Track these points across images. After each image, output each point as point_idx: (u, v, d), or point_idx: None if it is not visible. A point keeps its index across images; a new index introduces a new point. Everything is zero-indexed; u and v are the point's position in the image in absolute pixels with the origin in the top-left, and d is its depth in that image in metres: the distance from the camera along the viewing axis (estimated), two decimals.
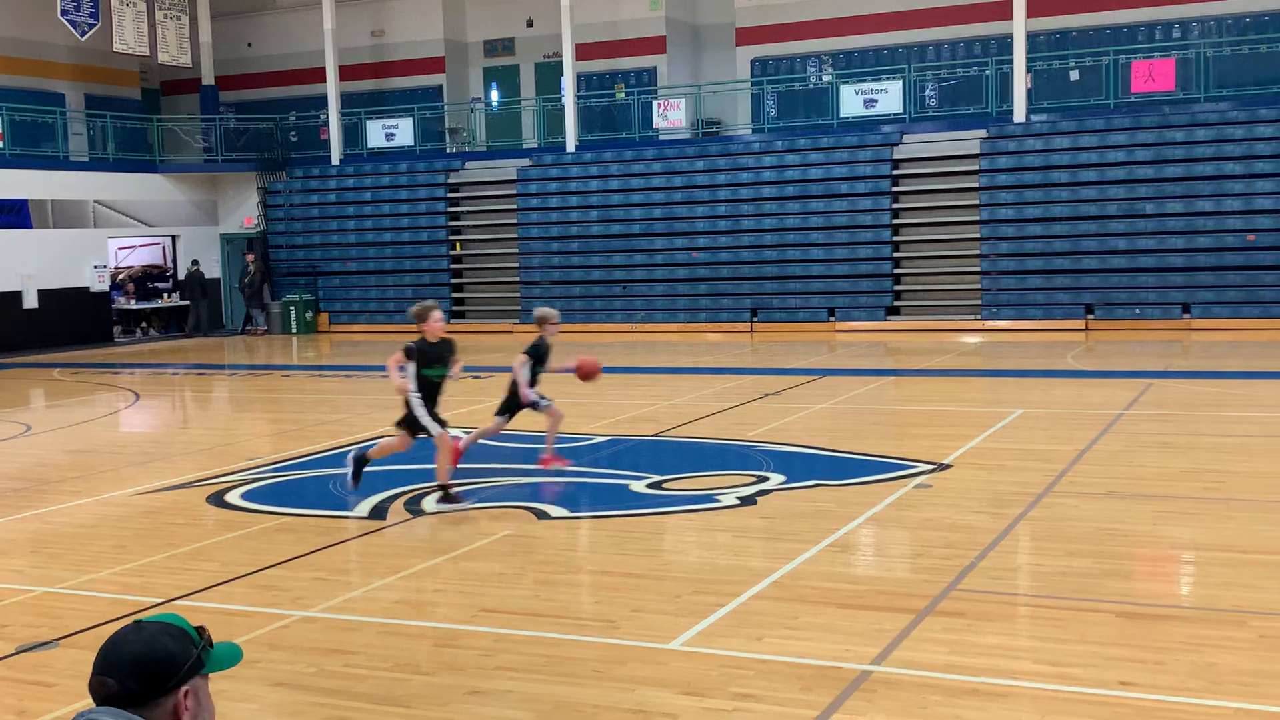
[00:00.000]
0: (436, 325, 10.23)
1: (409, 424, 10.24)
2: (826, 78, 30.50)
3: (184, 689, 2.56)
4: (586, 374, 11.63)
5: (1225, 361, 19.38)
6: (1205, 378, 17.47)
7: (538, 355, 11.42)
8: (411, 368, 10.18)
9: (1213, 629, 6.62)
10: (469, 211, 31.31)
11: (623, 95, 31.47)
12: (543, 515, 9.91)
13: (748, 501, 10.04)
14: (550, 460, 11.62)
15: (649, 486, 10.83)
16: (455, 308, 30.17)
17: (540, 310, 11.71)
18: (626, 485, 10.92)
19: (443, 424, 10.22)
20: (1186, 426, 13.30)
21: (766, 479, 10.86)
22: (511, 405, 11.39)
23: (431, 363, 10.22)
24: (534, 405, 11.34)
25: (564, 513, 10.11)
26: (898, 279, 26.93)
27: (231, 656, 2.69)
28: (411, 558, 8.72)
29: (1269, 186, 24.14)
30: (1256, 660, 6.11)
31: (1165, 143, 25.28)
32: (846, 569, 8.08)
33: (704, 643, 6.59)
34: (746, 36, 32.00)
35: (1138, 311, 24.21)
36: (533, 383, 11.32)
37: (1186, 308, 23.92)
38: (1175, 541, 8.59)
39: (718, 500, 10.13)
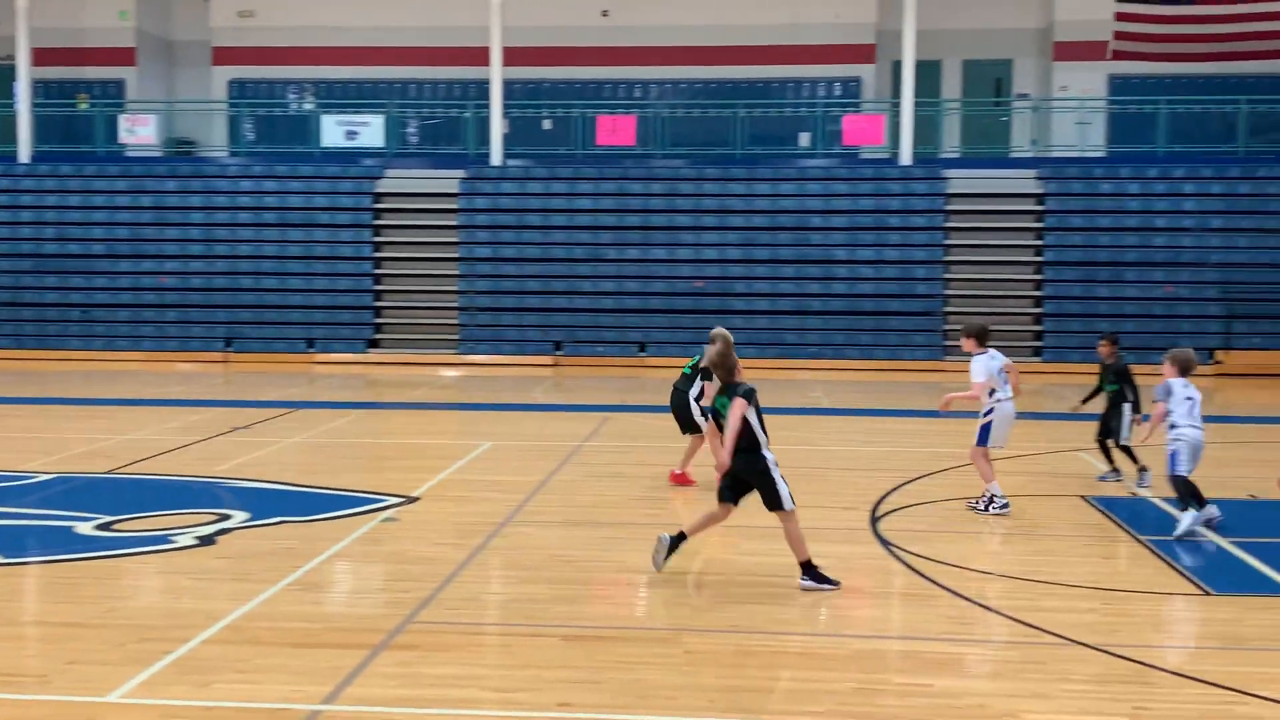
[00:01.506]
0: None
1: None
2: (308, 105, 30.13)
3: None
4: None
5: None
6: (656, 411, 18.85)
7: None
8: None
9: (645, 647, 7.17)
10: None
11: (86, 106, 29.38)
12: None
13: (206, 541, 9.66)
14: None
15: (97, 528, 10.12)
16: None
17: None
18: (71, 527, 10.15)
19: None
20: (638, 456, 14.32)
21: (229, 517, 10.50)
22: None
23: None
24: None
25: None
26: (378, 311, 27.01)
27: None
28: None
29: (714, 239, 26.64)
30: (682, 675, 6.69)
31: (625, 194, 27.23)
32: (305, 607, 7.98)
33: (146, 693, 6.27)
34: (224, 56, 30.99)
35: (600, 349, 25.82)
36: None
37: (643, 346, 25.82)
38: (621, 565, 9.22)
39: (173, 541, 9.66)
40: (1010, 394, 10.84)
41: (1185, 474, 10.00)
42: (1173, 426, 10.14)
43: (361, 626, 7.46)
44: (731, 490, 8.49)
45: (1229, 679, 6.64)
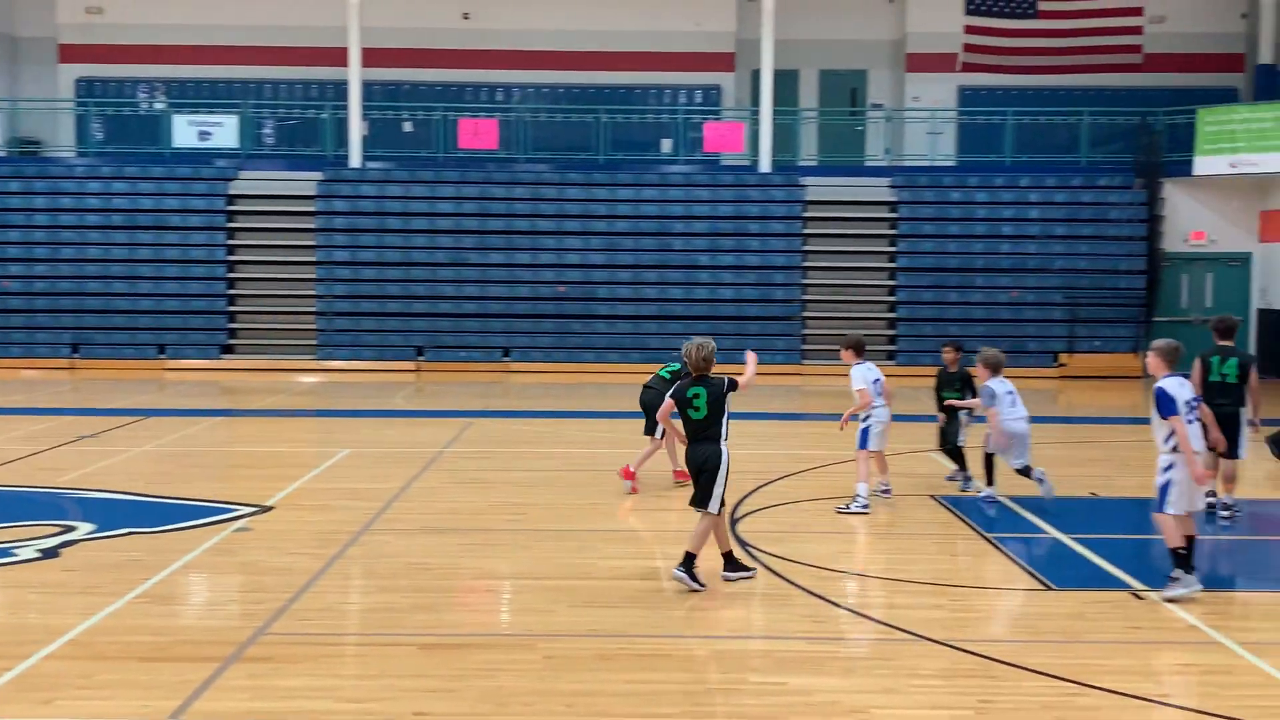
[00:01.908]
0: None
1: None
2: (159, 105, 29.31)
3: None
4: None
5: (539, 401, 21.04)
6: (520, 417, 18.86)
7: None
8: None
9: (504, 653, 7.16)
10: None
11: None
12: None
13: (50, 554, 9.34)
14: None
15: None
16: None
17: None
18: None
19: None
20: (500, 462, 14.25)
21: (73, 529, 10.16)
22: None
23: None
24: None
25: None
26: (233, 316, 26.40)
27: None
28: None
29: (577, 244, 26.67)
30: (540, 680, 6.69)
31: (488, 197, 27.10)
32: (153, 620, 7.76)
33: None
34: (71, 54, 29.95)
35: (463, 354, 25.63)
36: None
37: (507, 351, 25.71)
38: (478, 572, 9.18)
39: (14, 554, 9.32)
40: (884, 402, 11.53)
41: (995, 453, 11.56)
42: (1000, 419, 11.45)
43: (212, 639, 7.30)
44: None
45: (1070, 671, 6.90)
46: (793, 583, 8.73)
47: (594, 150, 27.97)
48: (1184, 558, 8.32)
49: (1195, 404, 8.59)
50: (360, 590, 8.67)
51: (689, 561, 8.50)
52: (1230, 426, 10.45)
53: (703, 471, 8.46)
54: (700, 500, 8.51)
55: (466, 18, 29.81)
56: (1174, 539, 8.32)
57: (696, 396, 8.50)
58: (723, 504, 8.53)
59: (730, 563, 8.77)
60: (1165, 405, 8.34)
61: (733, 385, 8.51)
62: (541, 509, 11.35)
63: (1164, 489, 8.37)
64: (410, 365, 25.54)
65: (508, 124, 28.14)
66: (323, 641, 7.38)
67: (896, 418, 12.08)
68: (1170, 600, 8.24)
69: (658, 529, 10.55)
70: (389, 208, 26.97)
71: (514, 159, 27.95)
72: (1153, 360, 8.66)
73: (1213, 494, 10.77)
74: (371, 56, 27.73)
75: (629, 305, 26.19)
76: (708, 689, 6.58)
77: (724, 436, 8.50)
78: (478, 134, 27.15)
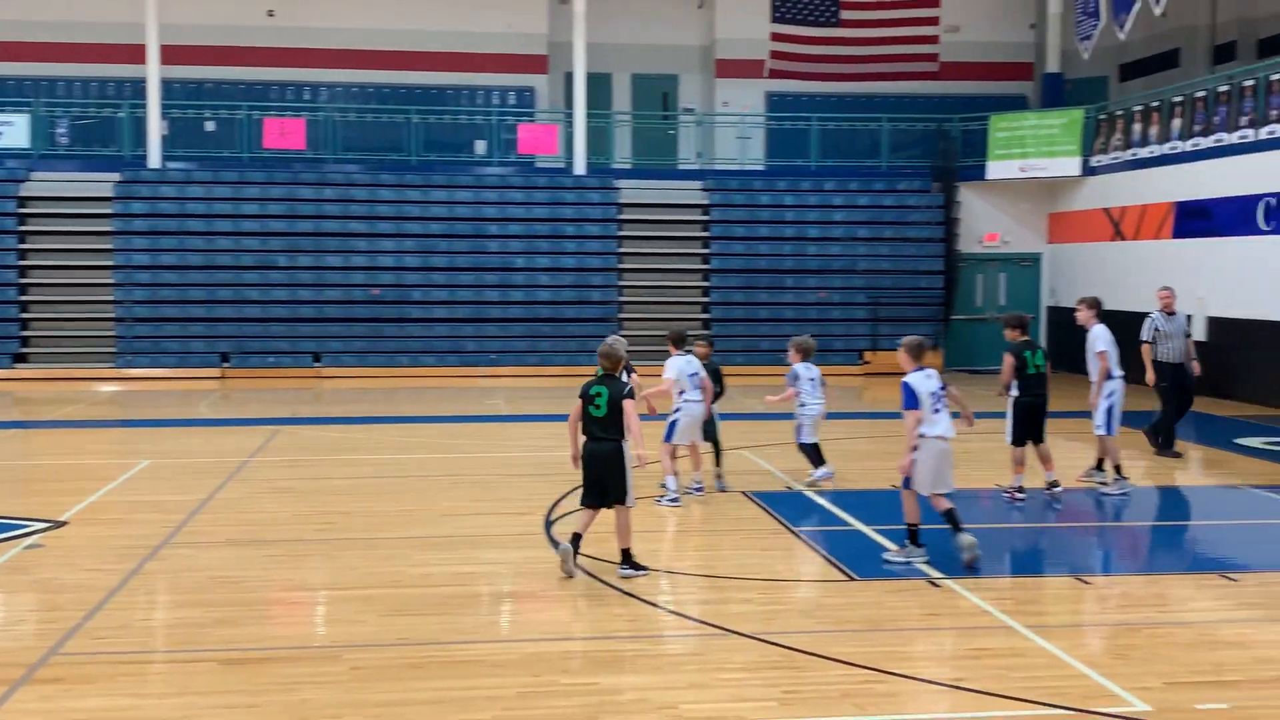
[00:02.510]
0: None
1: None
2: None
3: None
4: None
5: (351, 407, 20.63)
6: (331, 423, 18.47)
7: None
8: None
9: (309, 666, 7.01)
10: None
11: None
12: None
13: None
14: None
15: None
16: None
17: None
18: None
19: None
20: (310, 471, 13.95)
21: None
22: None
23: None
24: None
25: None
26: (25, 324, 25.15)
27: None
28: None
29: (390, 245, 26.28)
30: (346, 692, 6.58)
31: (296, 199, 26.47)
32: None
33: None
34: None
35: (271, 360, 24.96)
36: None
37: (317, 356, 25.15)
38: (284, 584, 8.97)
39: None
40: (699, 396, 11.74)
41: (811, 442, 12.37)
42: (802, 405, 12.29)
43: (0, 661, 6.95)
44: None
45: (870, 659, 7.13)
46: (606, 583, 8.79)
47: (406, 151, 27.62)
48: (913, 533, 9.31)
49: (941, 394, 9.30)
50: (159, 606, 8.37)
51: (626, 556, 8.93)
52: (1043, 413, 11.63)
53: (609, 472, 8.81)
54: (618, 497, 8.88)
55: (271, 15, 29.08)
56: (912, 515, 9.28)
57: (599, 395, 8.89)
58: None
59: (628, 558, 9.01)
60: (907, 399, 9.17)
61: (631, 393, 8.95)
62: (351, 517, 11.16)
63: (911, 471, 9.20)
64: (215, 372, 24.76)
65: (316, 124, 27.54)
66: (119, 660, 7.11)
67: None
68: (887, 563, 9.28)
69: (470, 534, 10.47)
70: (191, 209, 26.10)
71: (322, 159, 27.38)
72: (901, 356, 9.50)
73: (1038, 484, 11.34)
74: (172, 54, 26.80)
75: (444, 308, 25.95)
76: (518, 693, 6.58)
77: (624, 436, 8.84)
78: (284, 134, 26.49)
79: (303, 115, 27.51)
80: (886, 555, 9.41)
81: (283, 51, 29.08)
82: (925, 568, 9.17)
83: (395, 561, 9.44)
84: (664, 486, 11.61)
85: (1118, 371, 12.34)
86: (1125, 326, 14.56)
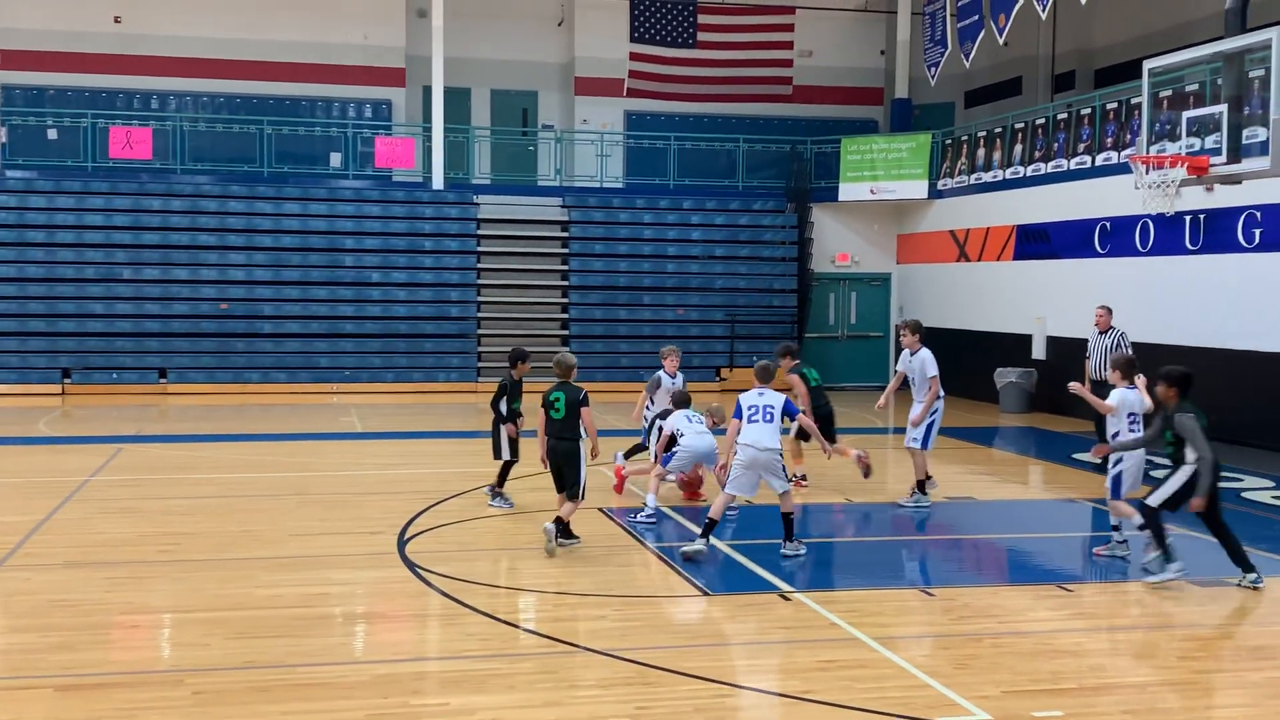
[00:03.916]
0: None
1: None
2: None
3: None
4: None
5: (199, 425, 20.06)
6: (177, 441, 17.94)
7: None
8: None
9: (149, 691, 6.79)
10: None
11: None
12: None
13: None
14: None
15: None
16: None
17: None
18: None
19: None
20: (154, 490, 13.53)
21: None
22: None
23: None
24: None
25: None
26: None
27: None
28: None
29: (241, 259, 25.71)
30: (187, 717, 6.39)
31: (143, 210, 25.73)
32: None
33: None
34: None
35: (115, 376, 24.15)
36: None
37: (163, 372, 24.42)
38: (125, 607, 8.68)
39: None
40: (701, 427, 12.57)
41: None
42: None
43: None
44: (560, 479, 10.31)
45: (720, 673, 7.21)
46: (461, 602, 8.72)
47: (258, 163, 27.06)
48: (710, 526, 10.05)
49: (757, 409, 10.14)
50: None
51: (563, 527, 10.13)
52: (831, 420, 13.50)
53: (567, 466, 10.13)
54: (571, 489, 10.20)
55: (118, 21, 28.22)
56: (718, 511, 10.14)
57: (557, 400, 10.09)
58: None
59: (564, 530, 10.21)
60: (736, 410, 10.25)
61: (586, 399, 10.07)
62: (196, 538, 10.85)
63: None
64: (55, 388, 23.86)
65: (164, 133, 26.82)
66: None
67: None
68: (685, 556, 9.94)
69: (320, 555, 10.27)
70: (31, 219, 25.18)
71: (170, 170, 26.67)
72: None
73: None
74: (12, 59, 25.84)
75: (297, 323, 25.47)
76: (367, 715, 6.47)
77: (581, 436, 10.06)
78: (130, 143, 25.71)
79: (150, 124, 26.75)
80: (683, 550, 10.06)
81: (130, 59, 28.24)
82: (778, 581, 9.32)
83: (242, 583, 9.21)
84: (645, 505, 12.04)
85: (942, 392, 12.83)
86: (973, 345, 15.02)
